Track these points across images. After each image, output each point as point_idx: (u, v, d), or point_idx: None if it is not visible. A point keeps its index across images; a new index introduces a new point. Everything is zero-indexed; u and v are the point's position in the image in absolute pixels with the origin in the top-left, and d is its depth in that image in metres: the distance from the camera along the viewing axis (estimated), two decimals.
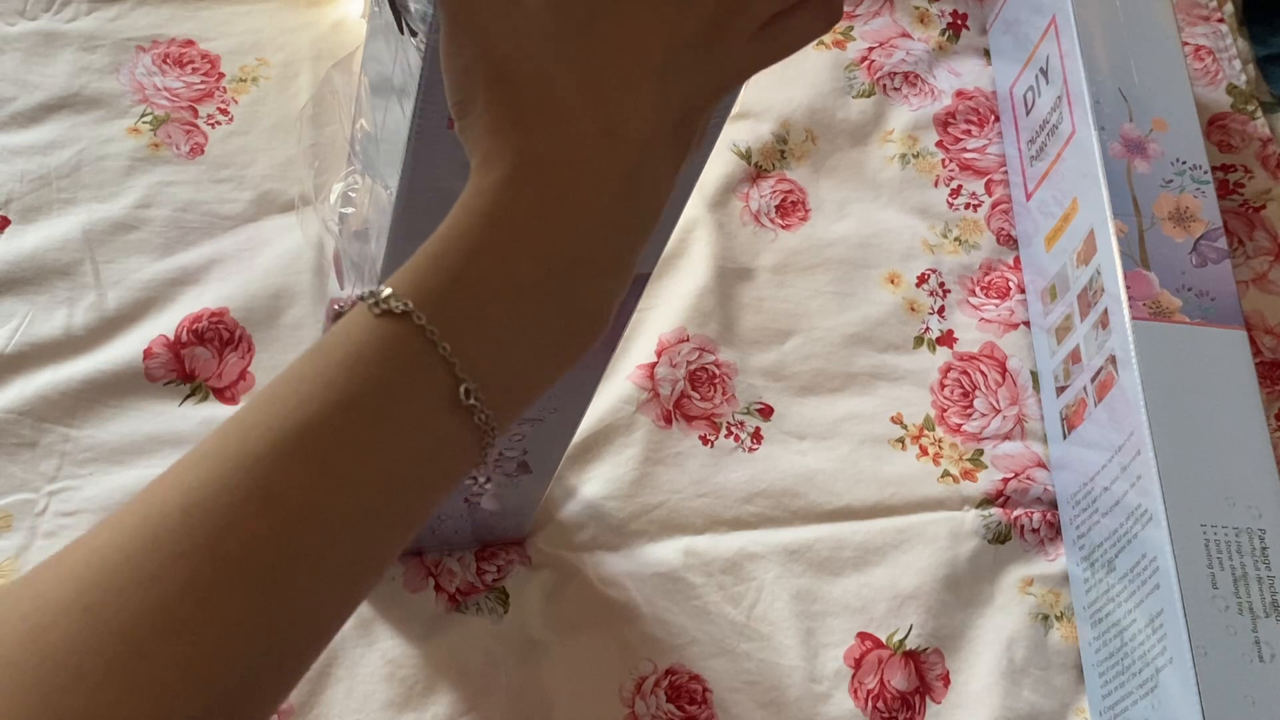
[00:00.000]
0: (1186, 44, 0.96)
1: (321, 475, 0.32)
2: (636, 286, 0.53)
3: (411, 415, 0.33)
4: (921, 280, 0.86)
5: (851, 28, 0.95)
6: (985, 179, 0.91)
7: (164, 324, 0.75)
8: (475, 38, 0.35)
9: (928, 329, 0.85)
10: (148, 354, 0.74)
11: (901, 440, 0.80)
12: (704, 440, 0.78)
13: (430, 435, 0.34)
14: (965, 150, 0.92)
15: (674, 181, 0.37)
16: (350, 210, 0.59)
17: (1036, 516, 0.78)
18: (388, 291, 0.33)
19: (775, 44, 0.37)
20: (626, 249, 0.36)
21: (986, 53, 0.96)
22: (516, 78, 0.35)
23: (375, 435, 0.33)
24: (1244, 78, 0.96)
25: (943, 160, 0.91)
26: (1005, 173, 0.91)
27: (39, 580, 0.31)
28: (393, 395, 0.33)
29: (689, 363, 0.80)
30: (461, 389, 0.33)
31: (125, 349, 0.74)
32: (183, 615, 0.30)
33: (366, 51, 0.51)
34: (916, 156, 0.91)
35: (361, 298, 0.34)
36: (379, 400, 0.33)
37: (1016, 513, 0.78)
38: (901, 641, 0.74)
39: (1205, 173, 0.80)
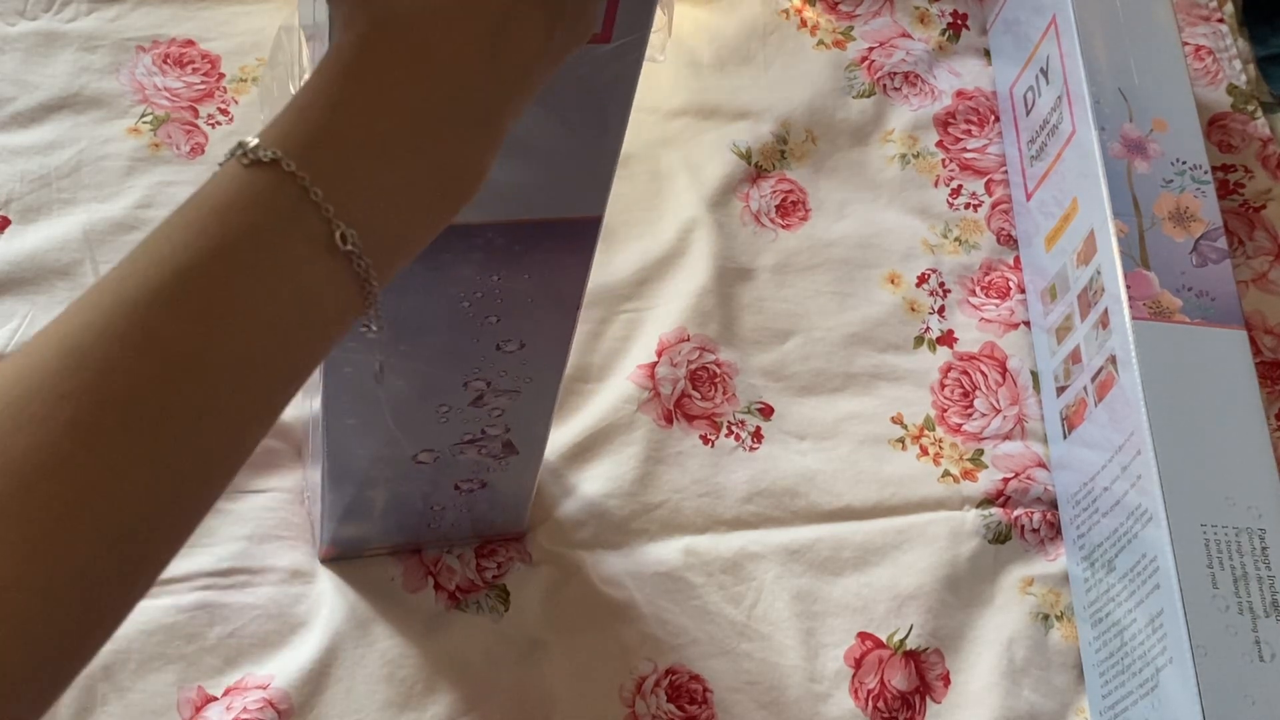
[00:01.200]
0: (1186, 44, 0.96)
1: (200, 318, 0.32)
2: (590, 231, 0.51)
3: (287, 260, 0.33)
4: (921, 280, 0.86)
5: (851, 28, 0.95)
6: (985, 179, 0.91)
7: None
8: None
9: (928, 329, 0.85)
10: None
11: (902, 440, 0.80)
12: (705, 440, 0.78)
13: (308, 280, 0.34)
14: (965, 150, 0.92)
15: (545, 44, 0.37)
16: None
17: (1036, 516, 0.78)
18: (254, 142, 0.34)
19: None
20: (493, 105, 0.36)
21: (986, 53, 0.96)
22: None
23: (251, 279, 0.33)
24: (1244, 78, 0.96)
25: (943, 160, 0.91)
26: (1005, 173, 0.91)
27: None
28: (266, 240, 0.33)
29: (689, 362, 0.80)
30: (337, 234, 0.34)
31: None
32: (68, 453, 0.30)
33: (301, 10, 0.50)
34: (916, 156, 0.91)
35: (231, 152, 0.34)
36: (253, 245, 0.33)
37: (1017, 513, 0.78)
38: (902, 641, 0.74)
39: (1205, 173, 0.80)
